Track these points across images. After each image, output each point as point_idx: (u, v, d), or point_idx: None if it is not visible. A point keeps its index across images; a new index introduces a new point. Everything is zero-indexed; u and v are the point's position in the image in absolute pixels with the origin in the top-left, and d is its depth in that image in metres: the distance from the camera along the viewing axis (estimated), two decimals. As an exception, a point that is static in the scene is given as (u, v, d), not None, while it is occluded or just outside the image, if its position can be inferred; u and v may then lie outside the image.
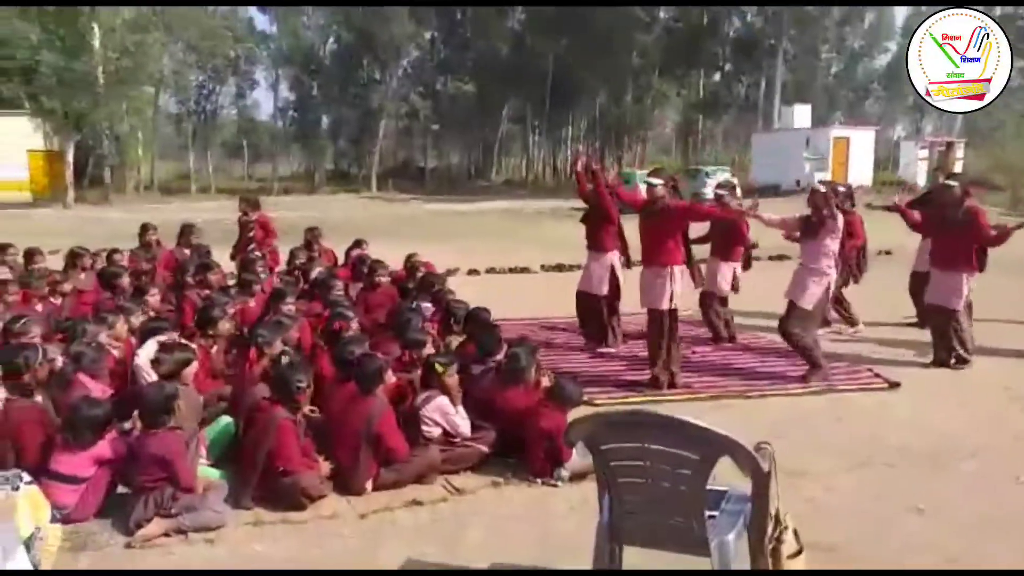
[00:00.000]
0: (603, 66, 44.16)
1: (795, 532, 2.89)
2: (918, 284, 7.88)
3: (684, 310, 6.68)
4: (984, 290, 7.19)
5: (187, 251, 8.92)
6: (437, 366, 4.71)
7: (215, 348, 5.63)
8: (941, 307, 6.87)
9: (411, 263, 8.11)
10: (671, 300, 6.14)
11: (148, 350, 5.02)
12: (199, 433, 4.38)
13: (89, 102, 29.63)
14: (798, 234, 6.51)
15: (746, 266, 7.89)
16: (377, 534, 3.88)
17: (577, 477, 4.36)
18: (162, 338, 5.17)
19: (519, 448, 4.62)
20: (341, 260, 9.36)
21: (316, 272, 7.99)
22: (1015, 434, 5.27)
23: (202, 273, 7.27)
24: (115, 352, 5.28)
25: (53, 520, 3.56)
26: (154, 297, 6.66)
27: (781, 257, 11.87)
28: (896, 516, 4.03)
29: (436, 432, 4.60)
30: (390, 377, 4.70)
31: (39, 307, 6.52)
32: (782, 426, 5.22)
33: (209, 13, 42.50)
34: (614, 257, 7.49)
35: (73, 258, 7.88)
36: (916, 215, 7.45)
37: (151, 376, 4.70)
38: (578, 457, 4.31)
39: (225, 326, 5.73)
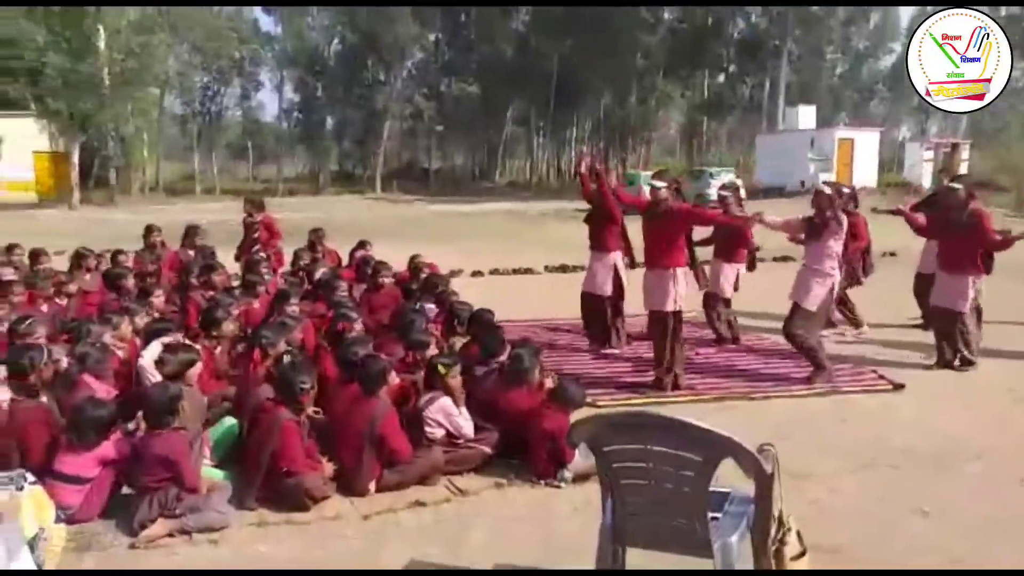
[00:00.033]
0: (607, 67, 44.17)
1: (798, 534, 2.90)
2: (923, 286, 7.85)
3: (688, 312, 6.67)
4: (989, 292, 7.17)
5: (191, 252, 8.93)
6: (440, 367, 4.71)
7: (219, 349, 5.63)
8: (947, 309, 6.85)
9: (415, 264, 8.12)
10: (675, 302, 6.14)
11: (152, 351, 5.03)
12: (203, 434, 4.39)
13: (94, 103, 29.72)
14: (802, 236, 6.49)
15: (751, 268, 7.88)
16: (380, 535, 3.88)
17: (580, 478, 4.35)
18: (166, 339, 5.18)
19: (522, 449, 4.62)
20: (345, 261, 9.38)
21: (320, 273, 7.99)
22: (1020, 436, 5.26)
23: (206, 274, 7.30)
24: (120, 353, 5.30)
25: (57, 520, 3.56)
26: (159, 298, 6.66)
27: (785, 258, 11.83)
28: (900, 518, 4.02)
29: (439, 433, 4.59)
30: (394, 378, 4.69)
31: (44, 308, 6.55)
32: (786, 428, 5.21)
33: (214, 14, 42.76)
34: (617, 257, 7.49)
35: (78, 259, 7.93)
36: (920, 219, 7.43)
37: (155, 377, 4.71)
38: (581, 458, 4.31)
39: (229, 327, 5.74)
